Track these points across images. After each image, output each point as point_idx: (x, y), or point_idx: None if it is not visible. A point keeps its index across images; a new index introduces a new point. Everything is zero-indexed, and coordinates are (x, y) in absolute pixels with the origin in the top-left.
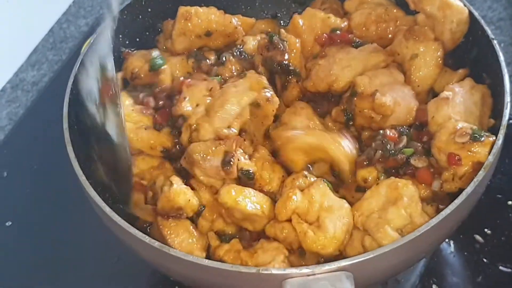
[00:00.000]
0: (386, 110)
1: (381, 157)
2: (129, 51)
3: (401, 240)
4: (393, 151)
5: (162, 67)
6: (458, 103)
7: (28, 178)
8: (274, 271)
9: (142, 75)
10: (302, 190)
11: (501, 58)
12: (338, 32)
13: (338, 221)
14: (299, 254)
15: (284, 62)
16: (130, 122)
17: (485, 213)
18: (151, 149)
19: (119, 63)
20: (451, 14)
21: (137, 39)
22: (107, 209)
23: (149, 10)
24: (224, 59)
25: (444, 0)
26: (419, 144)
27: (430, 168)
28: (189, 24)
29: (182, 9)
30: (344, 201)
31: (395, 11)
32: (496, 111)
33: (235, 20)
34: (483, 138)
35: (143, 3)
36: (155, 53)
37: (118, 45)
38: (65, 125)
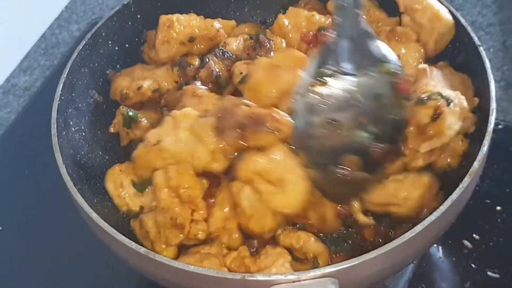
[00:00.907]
0: None
1: None
2: (114, 72)
3: (387, 246)
4: None
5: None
6: (437, 75)
7: (19, 183)
8: (260, 277)
9: (132, 95)
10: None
11: (487, 65)
12: (324, 31)
13: (301, 181)
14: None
15: None
16: None
17: (474, 219)
18: None
19: (107, 84)
20: (439, 27)
21: (126, 45)
22: (93, 215)
23: (138, 16)
24: (207, 60)
25: (436, 13)
26: None
27: None
28: (172, 32)
29: (163, 18)
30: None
31: (377, 12)
32: (483, 117)
33: (217, 23)
34: (429, 101)
35: (133, 9)
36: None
37: (104, 66)
38: (54, 130)
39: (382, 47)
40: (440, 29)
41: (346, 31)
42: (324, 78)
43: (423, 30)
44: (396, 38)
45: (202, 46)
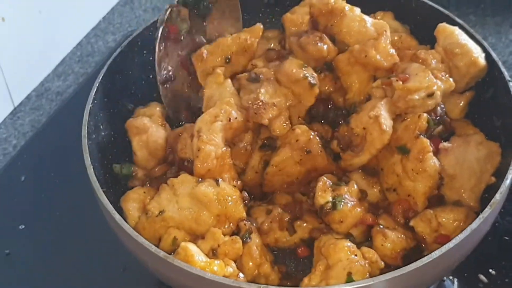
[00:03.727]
0: None
1: None
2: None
3: (403, 269)
4: None
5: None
6: (455, 156)
7: (44, 184)
8: None
9: None
10: None
11: None
12: None
13: None
14: None
15: None
16: None
17: (491, 254)
18: None
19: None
20: (474, 71)
21: None
22: (116, 217)
23: None
24: None
25: (474, 60)
26: None
27: None
28: (206, 64)
29: (194, 56)
30: None
31: (409, 39)
32: (508, 151)
33: (242, 35)
34: None
35: None
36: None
37: (138, 75)
38: (84, 132)
39: None
40: (474, 73)
41: None
42: None
43: (457, 71)
44: (420, 61)
45: (240, 62)
